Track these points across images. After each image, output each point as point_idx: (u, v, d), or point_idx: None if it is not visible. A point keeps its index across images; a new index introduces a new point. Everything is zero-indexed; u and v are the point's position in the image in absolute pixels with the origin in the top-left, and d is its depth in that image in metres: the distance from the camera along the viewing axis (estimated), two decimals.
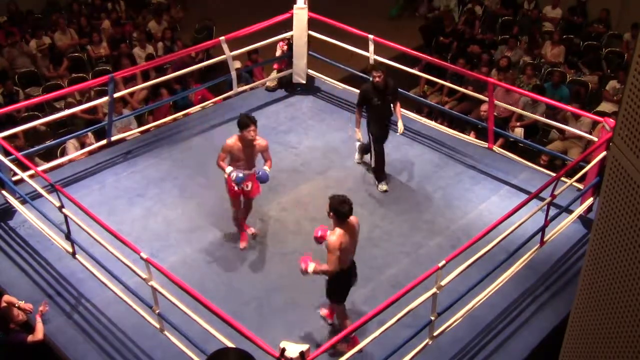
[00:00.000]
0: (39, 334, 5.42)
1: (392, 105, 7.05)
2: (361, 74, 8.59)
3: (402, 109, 8.43)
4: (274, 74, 9.02)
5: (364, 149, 7.42)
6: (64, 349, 5.40)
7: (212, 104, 8.89)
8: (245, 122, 5.88)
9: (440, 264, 4.98)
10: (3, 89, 10.05)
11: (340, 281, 5.16)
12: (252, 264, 6.28)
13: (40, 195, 6.09)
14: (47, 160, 7.91)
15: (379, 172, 7.24)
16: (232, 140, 5.98)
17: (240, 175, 5.90)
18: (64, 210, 5.77)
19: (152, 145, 7.92)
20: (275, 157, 7.75)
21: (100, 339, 5.48)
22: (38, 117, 8.67)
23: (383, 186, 7.21)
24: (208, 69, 9.93)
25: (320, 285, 5.92)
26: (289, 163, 7.67)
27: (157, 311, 5.29)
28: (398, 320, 4.95)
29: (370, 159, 7.26)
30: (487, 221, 6.36)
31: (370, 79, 7.01)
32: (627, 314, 2.32)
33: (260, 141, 6.06)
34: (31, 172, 6.35)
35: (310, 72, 8.94)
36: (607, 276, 2.44)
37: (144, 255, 5.07)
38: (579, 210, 6.65)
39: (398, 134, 7.08)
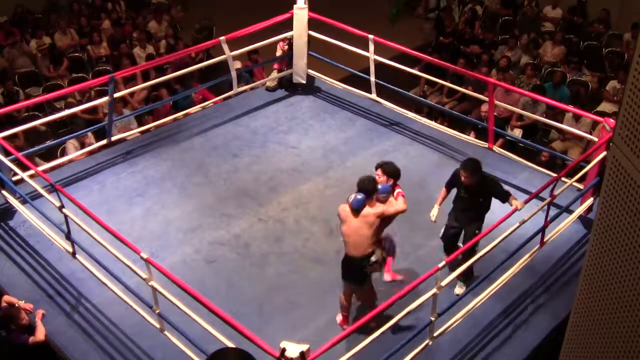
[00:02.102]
0: (40, 335, 5.42)
1: (485, 203, 5.85)
2: (361, 74, 8.59)
3: (401, 109, 8.48)
4: (274, 74, 9.01)
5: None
6: (64, 349, 5.40)
7: (212, 104, 8.89)
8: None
9: (440, 265, 4.98)
10: (3, 89, 10.06)
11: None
12: (252, 264, 6.27)
13: (40, 195, 6.08)
14: (47, 160, 7.91)
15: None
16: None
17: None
18: (64, 210, 5.76)
19: (152, 145, 7.92)
20: (275, 157, 7.79)
21: (100, 339, 5.47)
22: (38, 117, 8.67)
23: (458, 289, 5.89)
24: (208, 69, 9.93)
25: (320, 285, 5.94)
26: (289, 163, 7.67)
27: (157, 311, 5.28)
28: (398, 320, 4.95)
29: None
30: (487, 221, 6.34)
31: None
32: (627, 314, 2.32)
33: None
34: (31, 172, 6.33)
35: (310, 72, 8.94)
36: (607, 276, 2.44)
37: (144, 255, 5.06)
38: (579, 210, 6.65)
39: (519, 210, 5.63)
